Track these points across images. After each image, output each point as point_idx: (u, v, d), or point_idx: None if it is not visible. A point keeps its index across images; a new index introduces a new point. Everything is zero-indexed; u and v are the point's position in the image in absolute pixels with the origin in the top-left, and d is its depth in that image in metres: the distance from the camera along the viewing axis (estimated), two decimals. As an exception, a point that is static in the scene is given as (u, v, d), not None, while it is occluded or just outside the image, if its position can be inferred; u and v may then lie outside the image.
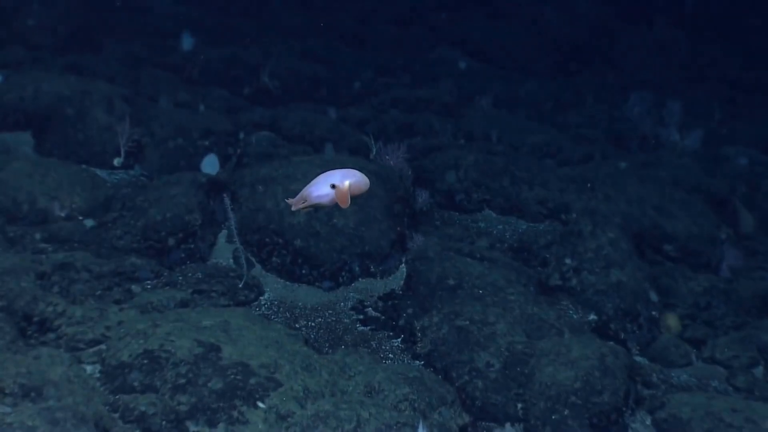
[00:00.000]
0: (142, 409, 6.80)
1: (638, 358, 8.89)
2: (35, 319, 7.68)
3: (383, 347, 8.59)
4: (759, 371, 8.91)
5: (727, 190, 12.26)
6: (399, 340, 8.72)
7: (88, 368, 7.33)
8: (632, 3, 23.12)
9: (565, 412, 7.51)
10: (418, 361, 8.31)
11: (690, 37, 21.93)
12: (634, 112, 15.51)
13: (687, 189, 11.84)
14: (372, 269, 9.56)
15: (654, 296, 9.33)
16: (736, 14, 22.60)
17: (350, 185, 4.73)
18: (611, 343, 8.51)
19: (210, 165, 10.78)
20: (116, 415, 6.83)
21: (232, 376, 7.02)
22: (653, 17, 22.09)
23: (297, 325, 8.67)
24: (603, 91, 18.22)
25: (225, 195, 9.41)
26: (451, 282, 9.01)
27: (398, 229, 9.97)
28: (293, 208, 4.86)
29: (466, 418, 7.56)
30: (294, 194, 5.16)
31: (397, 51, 19.48)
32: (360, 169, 5.13)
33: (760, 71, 20.26)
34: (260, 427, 6.70)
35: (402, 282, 9.55)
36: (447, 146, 12.89)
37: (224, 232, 9.83)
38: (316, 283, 9.38)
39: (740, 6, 22.39)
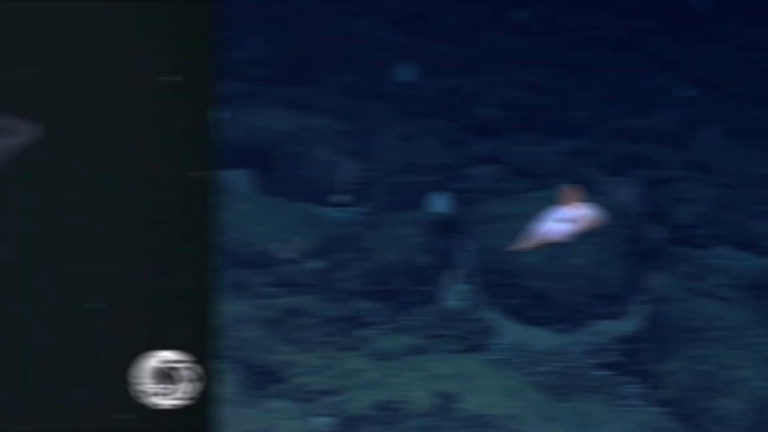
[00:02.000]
0: (381, 464, 6.71)
1: None
2: (267, 369, 7.64)
3: (621, 393, 8.28)
4: None
5: None
6: (637, 385, 8.39)
7: (322, 420, 7.21)
8: None
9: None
10: (659, 409, 7.98)
11: None
12: None
13: None
14: (607, 311, 9.23)
15: None
16: None
17: (583, 218, 4.54)
18: None
19: (439, 202, 10.59)
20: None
21: (474, 429, 6.85)
22: None
23: (532, 371, 8.45)
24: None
25: (458, 235, 9.25)
26: (693, 324, 8.60)
27: (632, 268, 9.63)
28: (517, 247, 4.70)
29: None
30: (525, 233, 5.01)
31: (615, 78, 19.01)
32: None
33: None
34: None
35: (639, 324, 9.20)
36: (675, 179, 12.41)
37: (455, 273, 9.69)
38: (550, 326, 9.11)
39: None
